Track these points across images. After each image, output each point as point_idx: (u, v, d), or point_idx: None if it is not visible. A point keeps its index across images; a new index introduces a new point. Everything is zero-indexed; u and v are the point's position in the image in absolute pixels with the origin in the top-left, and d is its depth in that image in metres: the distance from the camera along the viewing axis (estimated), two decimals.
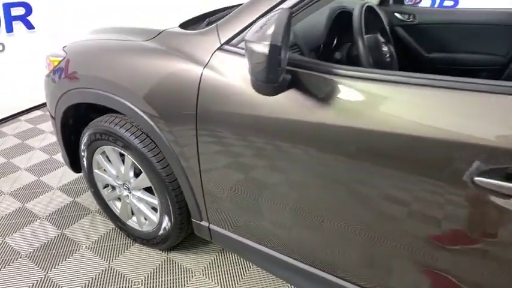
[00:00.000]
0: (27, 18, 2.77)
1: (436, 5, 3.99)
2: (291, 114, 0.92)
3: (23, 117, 2.97)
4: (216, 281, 1.51)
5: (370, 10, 1.30)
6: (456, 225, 0.79)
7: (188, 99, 1.09)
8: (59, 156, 2.34)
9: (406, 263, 0.92)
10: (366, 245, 0.95)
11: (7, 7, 2.62)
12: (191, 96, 1.08)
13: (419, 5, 2.13)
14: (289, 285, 1.49)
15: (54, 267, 1.56)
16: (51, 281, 1.50)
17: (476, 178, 0.72)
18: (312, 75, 0.90)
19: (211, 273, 1.55)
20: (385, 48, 1.29)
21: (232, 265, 1.59)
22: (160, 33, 1.22)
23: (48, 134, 2.69)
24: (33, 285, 1.48)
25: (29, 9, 2.76)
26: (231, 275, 1.54)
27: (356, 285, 1.04)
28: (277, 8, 0.90)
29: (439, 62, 2.00)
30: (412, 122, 0.78)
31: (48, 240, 1.71)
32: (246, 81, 0.96)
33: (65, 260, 1.60)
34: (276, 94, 0.91)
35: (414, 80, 0.80)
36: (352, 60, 1.27)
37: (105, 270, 1.55)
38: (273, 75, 0.78)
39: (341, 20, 1.31)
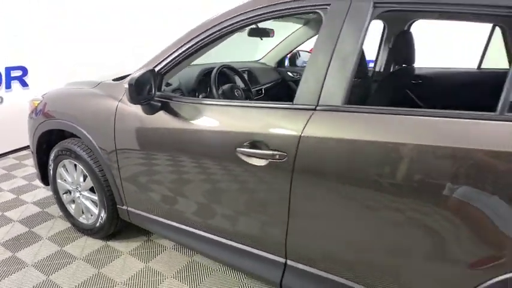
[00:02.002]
0: (23, 78, 3.57)
1: None
2: (163, 125, 1.62)
3: (11, 155, 3.64)
4: (137, 258, 2.08)
5: (231, 69, 2.08)
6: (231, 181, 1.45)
7: (110, 123, 1.79)
8: (37, 182, 2.96)
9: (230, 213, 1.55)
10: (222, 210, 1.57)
11: (8, 70, 3.43)
12: (111, 121, 1.78)
13: None
14: (195, 259, 2.07)
15: (21, 250, 2.13)
16: (17, 259, 2.06)
17: (239, 149, 1.39)
18: (173, 103, 1.62)
19: (136, 253, 2.13)
20: (238, 93, 2.04)
21: (153, 248, 2.17)
22: (100, 83, 1.97)
23: (30, 167, 3.33)
24: (2, 261, 2.04)
25: (25, 72, 3.58)
26: (151, 254, 2.11)
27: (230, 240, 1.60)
28: (153, 66, 1.64)
29: None
30: (220, 124, 1.47)
31: (18, 235, 2.29)
32: (139, 107, 1.67)
33: (28, 247, 2.17)
34: (153, 114, 1.63)
35: (220, 102, 1.53)
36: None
37: (58, 252, 2.12)
38: (133, 100, 1.49)
39: (210, 75, 2.08)
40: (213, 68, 2.04)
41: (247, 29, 2.13)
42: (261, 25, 2.21)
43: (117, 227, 2.17)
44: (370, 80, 1.79)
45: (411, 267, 1.18)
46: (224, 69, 2.15)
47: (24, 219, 2.47)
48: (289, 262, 1.45)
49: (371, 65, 2.88)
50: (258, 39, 2.72)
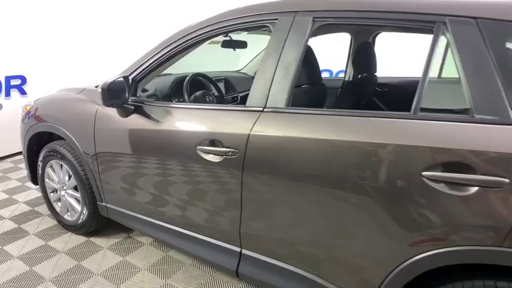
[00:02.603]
0: (21, 86, 3.78)
1: None
2: (135, 126, 1.78)
3: (8, 159, 3.83)
4: (116, 252, 2.22)
5: (204, 77, 2.28)
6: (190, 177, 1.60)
7: (90, 125, 1.96)
8: (30, 183, 3.13)
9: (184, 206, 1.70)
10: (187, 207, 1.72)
11: (8, 78, 3.65)
12: (91, 123, 1.95)
13: None
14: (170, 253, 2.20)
15: (8, 244, 2.28)
16: (4, 251, 2.21)
17: (198, 147, 1.55)
18: (145, 106, 1.78)
19: (115, 248, 2.27)
20: (209, 98, 2.21)
21: (131, 244, 2.31)
22: (84, 89, 2.15)
23: (24, 170, 3.47)
24: None
25: (24, 80, 3.79)
26: (129, 249, 2.25)
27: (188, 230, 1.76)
28: (128, 74, 1.81)
29: None
30: (183, 124, 1.63)
31: (7, 230, 2.44)
32: (115, 110, 1.84)
33: (16, 241, 2.32)
34: (127, 116, 1.79)
35: (185, 105, 1.69)
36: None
37: (42, 246, 2.27)
38: (106, 103, 1.66)
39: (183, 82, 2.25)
40: (187, 76, 2.23)
41: (221, 41, 2.31)
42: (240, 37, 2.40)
43: (98, 223, 2.31)
44: (325, 87, 1.96)
45: (350, 249, 1.30)
46: (199, 77, 2.33)
47: (14, 217, 2.63)
48: (244, 251, 1.58)
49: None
50: (241, 51, 2.91)
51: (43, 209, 2.73)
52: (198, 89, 2.23)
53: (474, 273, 1.10)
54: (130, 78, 1.80)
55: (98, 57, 4.26)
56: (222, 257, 1.65)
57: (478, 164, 1.03)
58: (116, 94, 1.68)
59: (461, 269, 1.11)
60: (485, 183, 1.01)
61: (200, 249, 1.72)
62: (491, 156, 1.02)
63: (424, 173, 1.09)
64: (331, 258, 1.36)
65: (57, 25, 3.94)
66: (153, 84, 2.15)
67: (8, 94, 3.70)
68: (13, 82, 3.72)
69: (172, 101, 2.24)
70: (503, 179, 0.99)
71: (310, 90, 1.73)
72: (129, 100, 1.77)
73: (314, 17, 1.39)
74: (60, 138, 2.29)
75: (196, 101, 2.13)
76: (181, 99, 2.20)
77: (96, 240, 2.35)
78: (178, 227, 1.78)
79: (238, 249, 1.60)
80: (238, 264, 1.61)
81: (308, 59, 1.79)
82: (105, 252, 2.23)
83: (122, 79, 1.70)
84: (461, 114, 1.13)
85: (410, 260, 1.15)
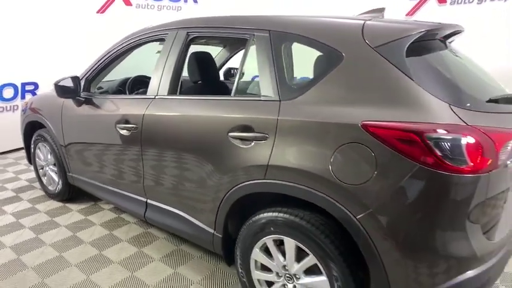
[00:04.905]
0: (34, 91, 4.63)
1: None
2: (84, 113, 2.45)
3: (21, 151, 4.66)
4: (82, 213, 2.89)
5: (145, 77, 2.99)
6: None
7: (59, 114, 2.66)
8: (30, 168, 3.90)
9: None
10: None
11: (23, 84, 4.50)
12: (59, 113, 2.65)
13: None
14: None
15: (6, 206, 3.02)
16: (2, 210, 2.94)
17: (117, 125, 2.17)
18: (93, 98, 2.45)
19: (82, 211, 2.94)
20: None
21: (95, 208, 2.97)
22: None
23: None
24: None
25: (36, 86, 4.64)
26: (92, 211, 2.92)
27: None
28: (83, 74, 2.49)
29: None
30: (112, 110, 2.27)
31: (8, 197, 3.19)
32: (72, 101, 2.52)
33: (13, 204, 3.06)
34: (80, 106, 2.47)
35: (114, 97, 2.34)
36: None
37: (30, 207, 2.99)
38: (59, 95, 2.34)
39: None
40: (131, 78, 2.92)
41: None
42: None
43: (71, 193, 3.00)
44: (222, 83, 2.54)
45: (201, 190, 1.85)
46: (144, 79, 2.99)
47: (15, 189, 3.39)
48: (148, 201, 2.18)
49: None
50: None
51: (38, 184, 3.47)
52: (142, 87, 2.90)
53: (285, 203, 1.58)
54: (83, 77, 2.48)
55: None
56: (135, 206, 2.26)
57: (256, 125, 1.57)
58: (66, 89, 2.36)
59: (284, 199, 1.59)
60: (257, 138, 1.56)
61: (122, 201, 2.35)
62: (261, 120, 1.56)
63: (229, 134, 1.64)
64: (191, 198, 1.92)
65: (66, 39, 4.77)
66: (108, 84, 2.83)
67: (23, 97, 4.55)
68: (27, 87, 4.57)
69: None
70: (265, 134, 1.53)
71: (203, 85, 2.31)
72: (81, 94, 2.45)
73: (187, 32, 1.99)
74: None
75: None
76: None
77: (70, 206, 3.04)
78: (108, 186, 2.42)
79: (144, 200, 2.20)
80: (145, 211, 2.20)
81: (206, 63, 2.38)
82: (73, 213, 2.91)
83: (70, 78, 2.38)
84: (256, 95, 1.67)
85: (229, 192, 1.69)
